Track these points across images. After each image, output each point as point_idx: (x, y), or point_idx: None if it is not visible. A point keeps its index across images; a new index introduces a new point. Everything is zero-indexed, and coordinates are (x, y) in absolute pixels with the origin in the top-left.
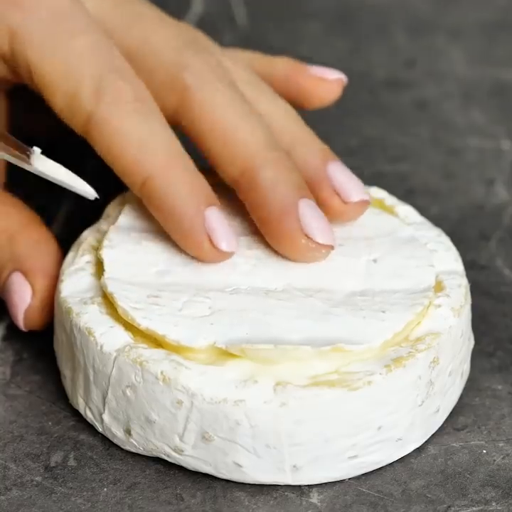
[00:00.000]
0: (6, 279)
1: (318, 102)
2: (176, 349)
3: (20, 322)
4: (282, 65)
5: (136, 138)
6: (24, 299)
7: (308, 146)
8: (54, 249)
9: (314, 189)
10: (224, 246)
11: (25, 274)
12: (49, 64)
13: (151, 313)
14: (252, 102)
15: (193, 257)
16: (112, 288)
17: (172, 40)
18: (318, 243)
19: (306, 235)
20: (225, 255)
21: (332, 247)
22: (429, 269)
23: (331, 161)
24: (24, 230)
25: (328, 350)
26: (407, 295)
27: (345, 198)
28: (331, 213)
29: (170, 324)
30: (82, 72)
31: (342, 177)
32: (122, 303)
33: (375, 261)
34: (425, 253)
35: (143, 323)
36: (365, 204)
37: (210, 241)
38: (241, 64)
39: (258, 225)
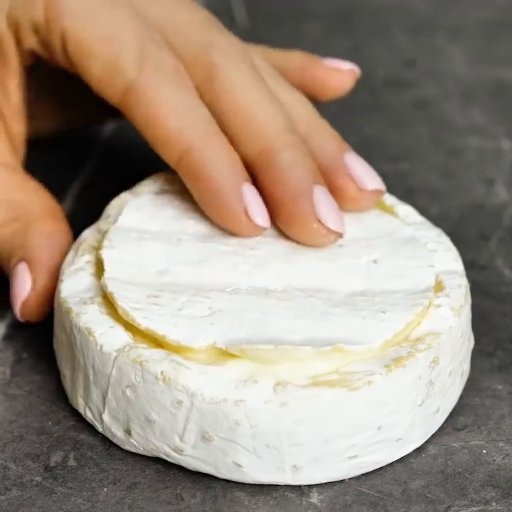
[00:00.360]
0: (13, 267)
1: (331, 93)
2: (176, 349)
3: (17, 312)
4: (296, 58)
5: (178, 107)
6: (24, 289)
7: (325, 134)
8: (65, 243)
9: (330, 176)
10: (259, 221)
11: (30, 265)
12: (88, 31)
13: (151, 313)
14: (272, 90)
15: (192, 257)
16: (112, 288)
17: (196, 19)
18: (329, 229)
19: (319, 220)
20: (259, 230)
21: (341, 235)
22: (429, 270)
23: (347, 151)
24: (39, 220)
25: (328, 351)
26: (407, 295)
27: (361, 185)
28: (345, 200)
29: (170, 324)
30: (124, 39)
31: (358, 166)
32: (122, 303)
33: (375, 262)
34: (425, 253)
35: (143, 323)
36: (380, 193)
37: (247, 215)
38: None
39: (271, 206)
